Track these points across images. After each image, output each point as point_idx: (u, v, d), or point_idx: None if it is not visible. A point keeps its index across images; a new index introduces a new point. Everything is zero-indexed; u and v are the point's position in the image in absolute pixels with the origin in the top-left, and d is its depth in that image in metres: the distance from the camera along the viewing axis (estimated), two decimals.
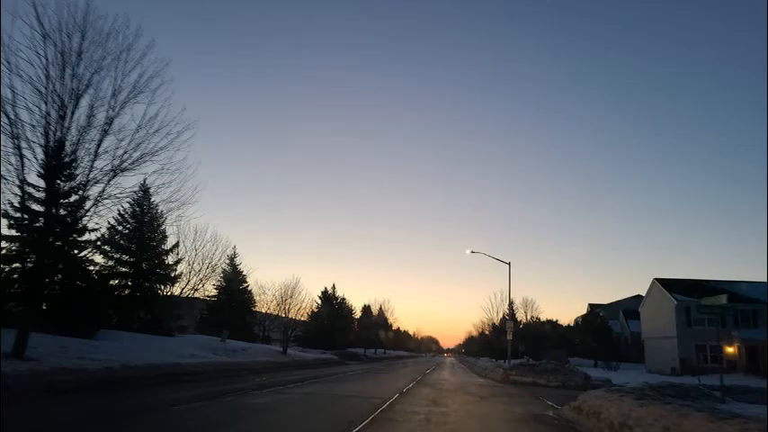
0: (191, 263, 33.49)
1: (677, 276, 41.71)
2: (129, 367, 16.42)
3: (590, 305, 75.97)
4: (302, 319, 60.24)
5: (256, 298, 41.38)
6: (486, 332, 78.68)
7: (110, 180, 15.08)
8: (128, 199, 22.95)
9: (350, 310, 77.59)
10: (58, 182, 14.96)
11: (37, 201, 15.43)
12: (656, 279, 42.01)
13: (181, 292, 33.52)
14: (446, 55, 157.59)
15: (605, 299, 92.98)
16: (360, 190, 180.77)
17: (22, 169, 13.98)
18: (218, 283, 40.42)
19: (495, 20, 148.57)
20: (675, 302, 37.94)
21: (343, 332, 71.06)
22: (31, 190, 15.09)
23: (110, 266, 28.59)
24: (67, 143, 14.61)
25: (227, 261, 40.12)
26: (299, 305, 40.14)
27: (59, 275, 19.77)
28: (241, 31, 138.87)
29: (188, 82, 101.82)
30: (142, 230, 29.45)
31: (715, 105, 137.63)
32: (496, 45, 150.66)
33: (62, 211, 15.58)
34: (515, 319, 36.15)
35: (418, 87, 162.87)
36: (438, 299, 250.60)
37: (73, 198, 15.64)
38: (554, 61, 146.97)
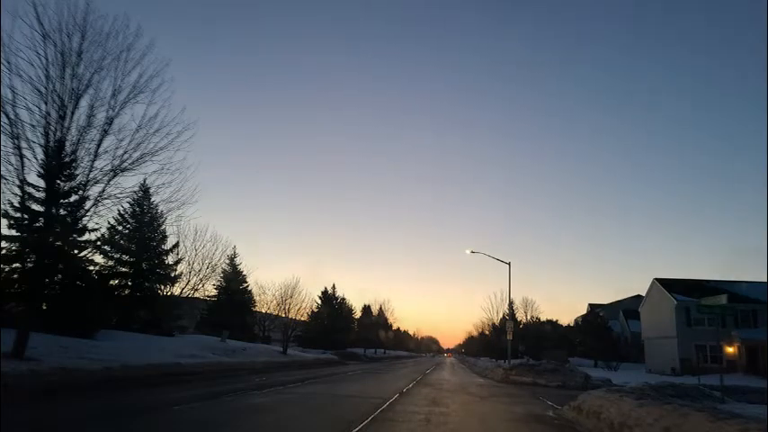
0: (190, 263, 33.53)
1: (677, 276, 41.73)
2: (129, 367, 16.43)
3: (590, 305, 75.92)
4: (302, 319, 60.33)
5: (256, 298, 41.46)
6: (486, 332, 78.55)
7: (110, 180, 15.08)
8: (128, 199, 23.05)
9: (350, 311, 77.62)
10: (58, 182, 14.97)
11: (37, 201, 15.44)
12: (656, 279, 42.01)
13: (181, 292, 33.56)
14: (445, 58, 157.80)
15: (605, 299, 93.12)
16: (359, 192, 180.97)
17: (23, 169, 13.97)
18: (219, 283, 40.47)
19: (494, 19, 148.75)
20: (675, 302, 37.97)
21: (343, 332, 71.07)
22: (31, 190, 15.10)
23: (110, 266, 28.62)
24: (67, 143, 14.61)
25: (227, 261, 40.20)
26: (298, 305, 40.23)
27: (59, 275, 19.78)
28: (240, 32, 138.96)
29: (188, 83, 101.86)
30: (142, 230, 29.48)
31: (713, 106, 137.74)
32: (495, 48, 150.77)
33: (62, 211, 15.58)
34: (515, 319, 36.17)
35: (417, 89, 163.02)
36: (438, 299, 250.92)
37: (73, 198, 15.64)
38: (552, 64, 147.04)
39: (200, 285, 35.23)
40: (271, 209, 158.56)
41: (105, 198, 15.19)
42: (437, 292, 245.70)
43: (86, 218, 16.06)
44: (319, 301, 71.26)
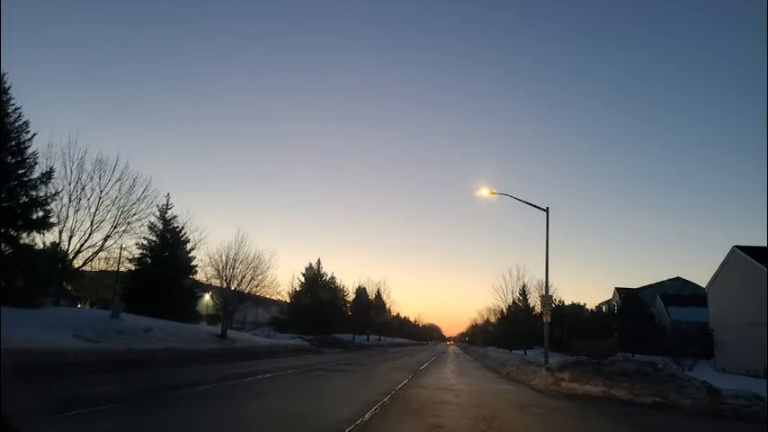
0: (88, 206, 23.60)
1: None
2: None
3: (617, 289, 65.66)
4: (280, 298, 50.15)
5: (199, 266, 30.85)
6: (492, 319, 69.48)
7: None
8: None
9: (342, 292, 67.37)
10: None
11: None
12: (738, 247, 31.33)
13: (70, 249, 23.53)
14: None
15: (631, 283, 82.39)
16: (359, 181, 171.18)
17: None
18: (149, 244, 30.12)
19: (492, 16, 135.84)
20: None
21: (331, 315, 60.89)
22: None
23: None
24: None
25: (157, 215, 29.89)
26: (260, 276, 28.69)
27: None
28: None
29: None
30: None
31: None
32: (493, 47, 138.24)
33: None
34: (550, 299, 25.65)
35: (413, 64, 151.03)
36: (441, 289, 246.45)
37: None
38: (554, 63, 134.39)
39: (111, 242, 25.30)
40: (271, 194, 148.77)
41: None
42: (440, 283, 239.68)
43: None
44: (302, 279, 61.20)
